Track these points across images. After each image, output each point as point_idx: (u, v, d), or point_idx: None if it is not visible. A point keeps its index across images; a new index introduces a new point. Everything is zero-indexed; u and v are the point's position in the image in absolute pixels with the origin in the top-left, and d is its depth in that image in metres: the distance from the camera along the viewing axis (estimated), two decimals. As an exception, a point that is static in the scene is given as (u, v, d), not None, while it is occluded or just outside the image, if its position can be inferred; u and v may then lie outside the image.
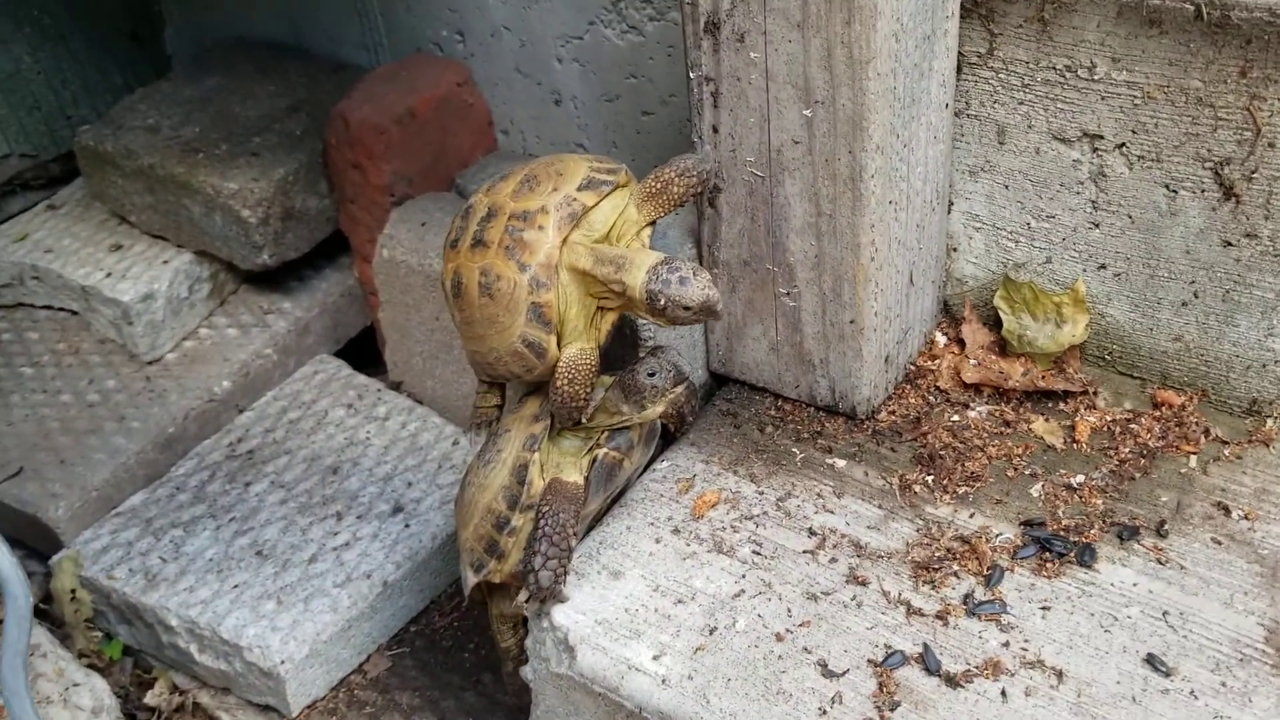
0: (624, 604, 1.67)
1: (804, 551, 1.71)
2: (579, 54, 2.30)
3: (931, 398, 1.93)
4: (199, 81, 2.61)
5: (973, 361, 1.94)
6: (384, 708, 2.02)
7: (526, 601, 1.66)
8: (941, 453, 1.82)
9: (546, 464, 1.70)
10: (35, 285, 2.53)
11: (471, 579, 1.75)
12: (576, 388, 1.62)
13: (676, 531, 1.77)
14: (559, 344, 1.62)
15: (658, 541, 1.76)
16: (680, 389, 1.65)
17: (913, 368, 1.98)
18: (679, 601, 1.66)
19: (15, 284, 2.54)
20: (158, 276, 2.40)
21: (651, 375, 1.63)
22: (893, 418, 1.91)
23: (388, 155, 2.27)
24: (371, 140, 2.26)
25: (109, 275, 2.42)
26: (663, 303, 1.53)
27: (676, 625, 1.63)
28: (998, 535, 1.69)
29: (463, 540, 1.77)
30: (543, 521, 1.64)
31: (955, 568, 1.66)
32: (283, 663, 1.93)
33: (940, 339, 2.01)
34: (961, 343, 1.98)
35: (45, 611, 2.15)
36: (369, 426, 2.32)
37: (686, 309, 1.53)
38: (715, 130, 1.77)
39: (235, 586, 2.03)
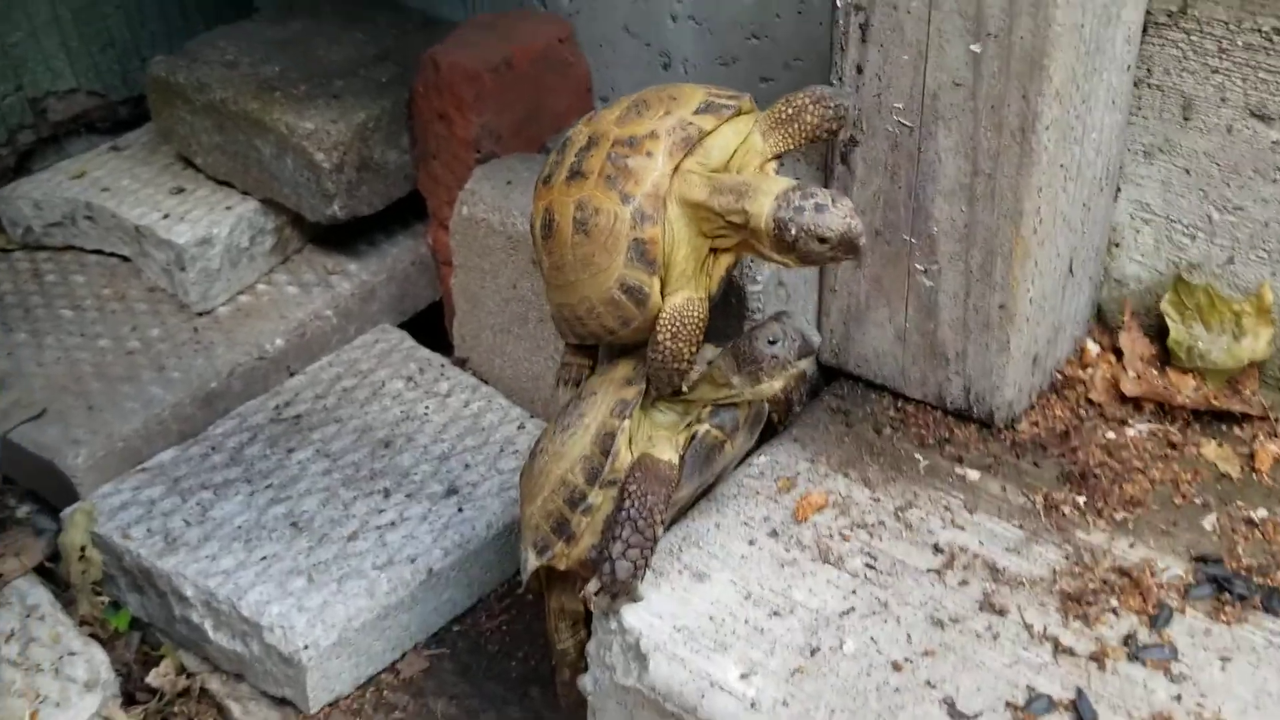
0: (709, 610, 1.41)
1: (928, 570, 1.44)
2: (696, 9, 2.08)
3: (1082, 411, 1.65)
4: (284, 24, 2.43)
5: (1132, 373, 1.66)
6: (415, 714, 1.76)
7: (597, 594, 1.40)
8: (1095, 472, 1.54)
9: (637, 436, 1.45)
10: (87, 226, 2.35)
11: (533, 562, 1.50)
12: (681, 344, 1.38)
13: (774, 534, 1.50)
14: (663, 291, 1.38)
15: (751, 543, 1.49)
16: (805, 364, 1.40)
17: (1059, 376, 1.70)
18: (775, 614, 1.40)
19: (67, 223, 2.36)
20: (218, 222, 2.20)
21: (773, 343, 1.38)
22: (1036, 429, 1.63)
23: (478, 106, 2.06)
24: (463, 87, 2.05)
25: (166, 217, 2.23)
26: (794, 233, 1.28)
27: (771, 641, 1.36)
28: (1165, 570, 1.41)
29: (527, 517, 1.52)
30: (628, 502, 1.39)
31: (1114, 603, 1.37)
32: (305, 648, 1.68)
33: (1093, 347, 1.73)
34: (1118, 352, 1.71)
35: (50, 571, 1.93)
36: (428, 402, 2.09)
37: (823, 241, 1.28)
38: (859, 70, 1.53)
39: (263, 559, 1.79)
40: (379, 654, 1.79)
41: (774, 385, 1.41)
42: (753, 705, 1.31)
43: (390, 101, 2.17)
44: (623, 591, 1.40)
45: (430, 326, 2.38)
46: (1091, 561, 1.43)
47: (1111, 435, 1.61)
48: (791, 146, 1.41)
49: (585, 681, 1.50)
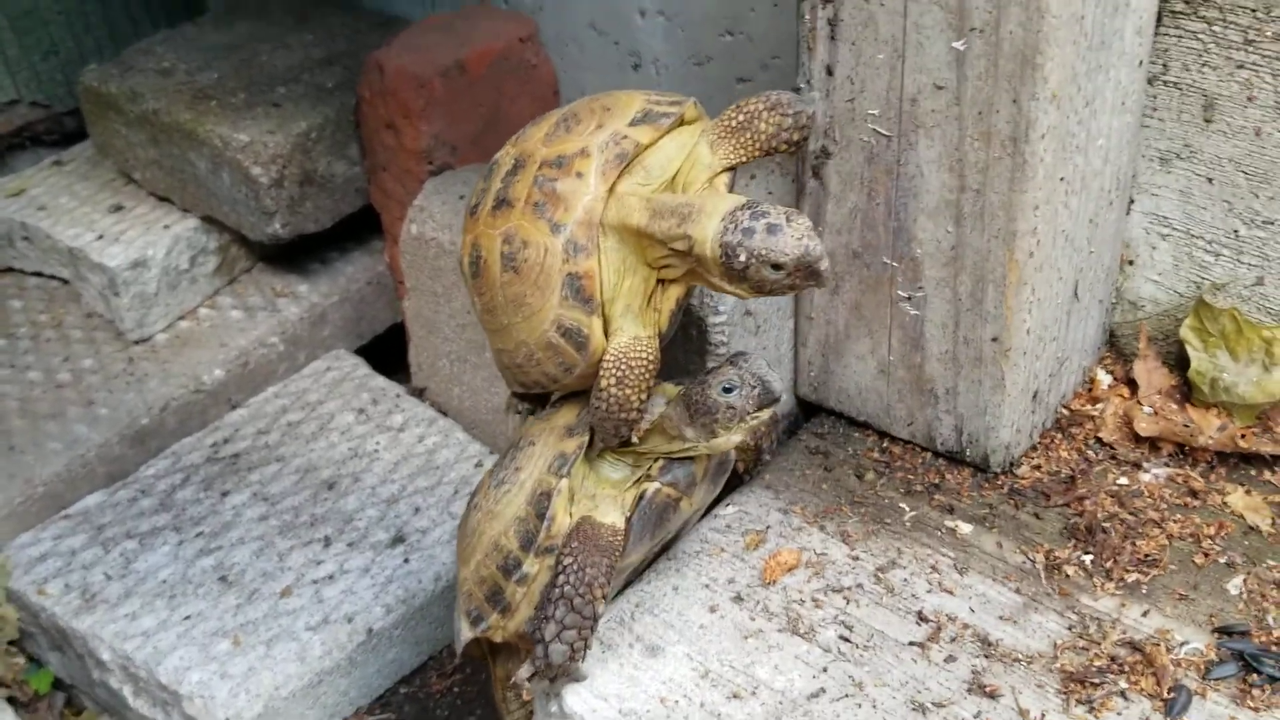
0: (660, 691, 1.24)
1: (911, 644, 1.26)
2: (665, 4, 1.90)
3: (1091, 452, 1.46)
4: (229, 27, 2.26)
5: (1148, 409, 1.47)
6: (352, 790, 1.59)
7: (530, 679, 1.23)
8: (1105, 525, 1.35)
9: (578, 495, 1.27)
10: (25, 247, 2.19)
11: (466, 633, 1.32)
12: (628, 391, 1.20)
13: (739, 599, 1.33)
14: (606, 331, 1.20)
15: (713, 611, 1.32)
16: (766, 414, 1.22)
17: (1065, 412, 1.51)
18: (734, 696, 1.22)
19: (4, 244, 2.20)
20: (154, 242, 2.04)
21: (728, 391, 1.20)
22: (1038, 474, 1.45)
23: (427, 114, 1.89)
24: (409, 94, 1.88)
25: (100, 238, 2.07)
26: (743, 259, 1.10)
27: (729, 729, 1.19)
28: (1182, 644, 1.23)
29: (461, 580, 1.35)
30: (563, 577, 1.21)
31: (1123, 685, 1.19)
32: (227, 721, 1.52)
33: (1104, 378, 1.54)
34: (1132, 384, 1.52)
35: (-33, 628, 1.77)
36: (380, 437, 1.92)
37: (777, 267, 1.10)
38: (829, 72, 1.34)
39: (187, 618, 1.63)
40: (314, 722, 1.62)
41: (732, 439, 1.23)
42: (704, 810, 1.13)
43: (335, 109, 2.00)
44: (560, 674, 1.22)
45: (392, 351, 2.21)
46: (1098, 634, 1.24)
47: (1124, 481, 1.42)
48: (744, 159, 1.24)
49: (525, 768, 1.33)
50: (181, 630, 1.61)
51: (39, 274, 2.22)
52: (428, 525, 1.78)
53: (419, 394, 2.04)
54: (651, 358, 1.21)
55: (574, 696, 1.25)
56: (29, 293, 2.21)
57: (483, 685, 1.72)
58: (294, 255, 2.16)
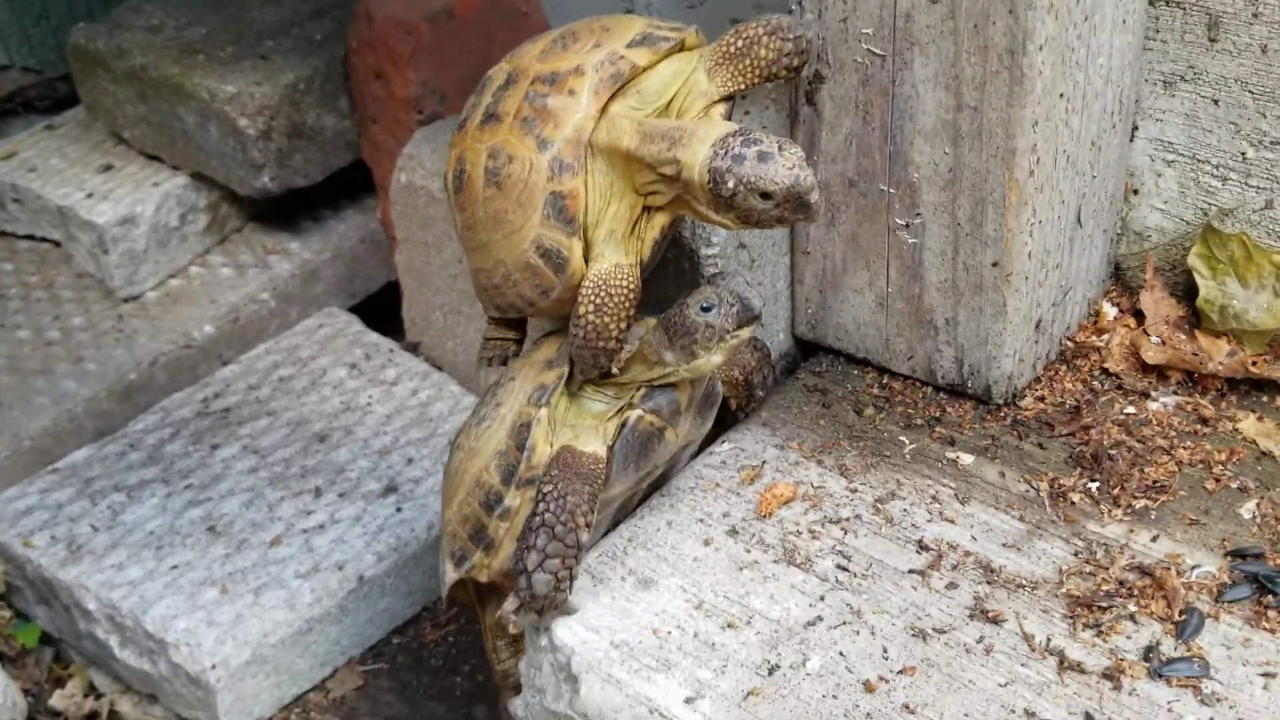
0: (653, 623, 1.20)
1: (910, 571, 1.22)
2: (660, -55, 1.87)
3: (1097, 383, 1.43)
4: (220, -16, 2.24)
5: (1155, 339, 1.43)
6: (343, 740, 1.56)
7: (515, 613, 1.19)
8: (1112, 453, 1.31)
9: (559, 426, 1.24)
10: (16, 210, 2.17)
11: (450, 574, 1.29)
12: (606, 319, 1.17)
13: (734, 533, 1.29)
14: (587, 256, 1.17)
15: (707, 544, 1.28)
16: (746, 333, 1.18)
17: (1069, 344, 1.48)
18: (729, 626, 1.19)
19: (-6, 206, 2.18)
20: (143, 200, 2.02)
21: (706, 310, 1.16)
22: (1041, 405, 1.41)
23: (415, 61, 1.86)
24: (398, 41, 1.85)
25: (89, 196, 2.05)
26: (731, 186, 1.07)
27: (724, 658, 1.15)
28: (1194, 568, 1.19)
29: (445, 522, 1.32)
30: (543, 505, 1.18)
31: (1132, 608, 1.15)
32: (213, 668, 1.49)
33: (1109, 309, 1.51)
34: (1139, 316, 1.48)
35: (-46, 583, 1.75)
36: (372, 391, 1.89)
37: (766, 196, 1.06)
38: (822, -11, 1.31)
39: (174, 567, 1.60)
40: (304, 671, 1.59)
41: (713, 360, 1.19)
42: (698, 736, 1.10)
43: (324, 60, 1.98)
44: (546, 607, 1.19)
45: (387, 310, 2.18)
46: (1106, 559, 1.21)
47: (1131, 410, 1.38)
48: (743, 86, 1.20)
49: (516, 706, 1.30)
50: (168, 580, 1.59)
51: (31, 237, 2.20)
52: (421, 475, 1.74)
53: (413, 349, 2.01)
54: (632, 286, 1.18)
55: (564, 629, 1.21)
56: (20, 255, 2.19)
57: (476, 636, 1.69)
58: (286, 212, 2.14)
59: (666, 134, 1.13)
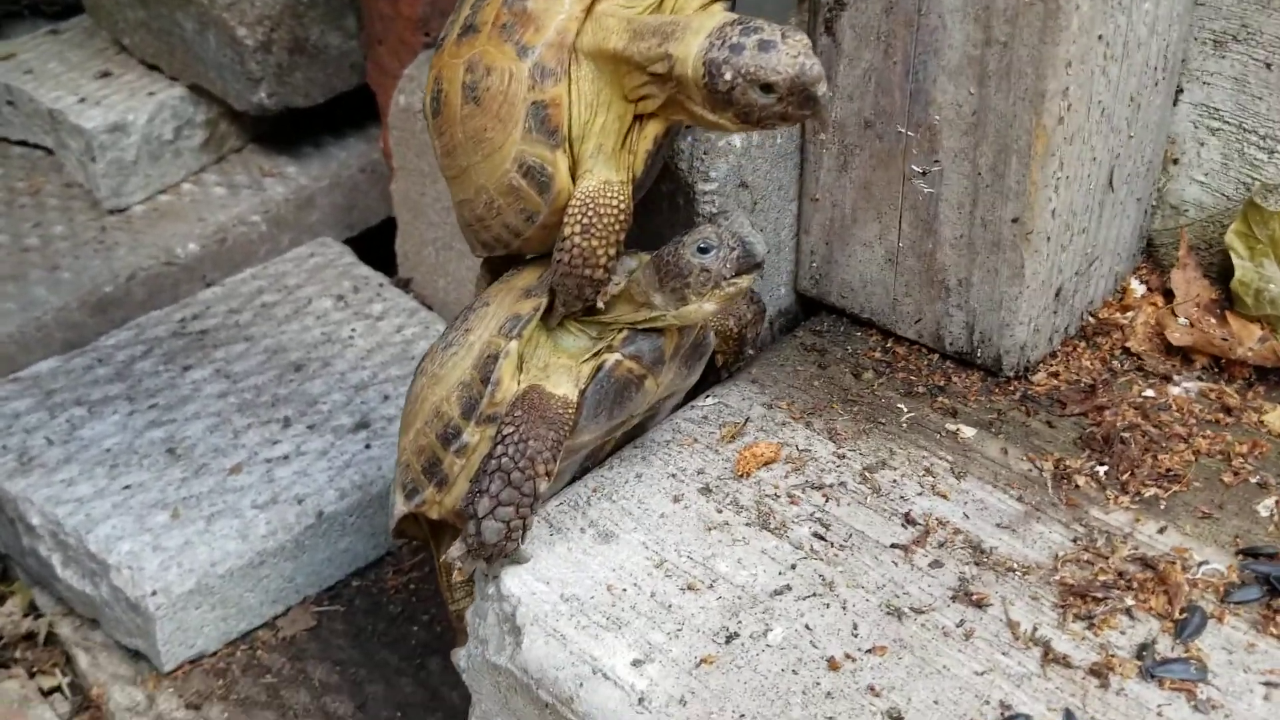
0: (609, 579, 1.11)
1: (893, 545, 1.12)
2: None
3: (1117, 362, 1.32)
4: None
5: (1183, 320, 1.32)
6: (287, 680, 1.48)
7: (461, 559, 1.10)
8: (1124, 436, 1.20)
9: (530, 362, 1.14)
10: (10, 113, 2.10)
11: (400, 507, 1.20)
12: (594, 241, 1.07)
13: (706, 490, 1.20)
14: (574, 173, 1.08)
15: (676, 500, 1.19)
16: (745, 281, 1.08)
17: (1092, 319, 1.37)
18: (690, 588, 1.09)
19: (-11, 109, 2.11)
20: (136, 109, 1.94)
21: (704, 251, 1.07)
22: (1055, 381, 1.30)
23: (427, -22, 1.76)
24: (409, -44, 1.76)
25: (81, 100, 1.97)
26: (729, 78, 0.96)
27: (678, 621, 1.06)
28: (1201, 564, 1.08)
29: (400, 451, 1.23)
30: (501, 448, 1.09)
31: (1129, 602, 1.05)
32: (154, 594, 1.41)
33: (1137, 287, 1.39)
34: (1168, 295, 1.37)
35: (-95, 488, 1.68)
36: (356, 324, 1.81)
37: (767, 89, 0.96)
38: (848, -94, 1.20)
39: (126, 487, 1.52)
40: (254, 607, 1.51)
41: (704, 308, 1.09)
42: (641, 701, 1.00)
43: (332, -27, 1.89)
44: (495, 556, 1.10)
45: (386, 247, 2.09)
46: (1107, 548, 1.10)
47: (1150, 393, 1.27)
48: None
49: (459, 657, 1.21)
50: (118, 500, 1.51)
51: (24, 143, 2.13)
52: (395, 414, 1.66)
53: (404, 285, 1.93)
54: (623, 205, 1.08)
55: (513, 578, 1.12)
56: (11, 161, 2.12)
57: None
58: (287, 135, 2.05)
59: (658, 29, 1.02)
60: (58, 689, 1.49)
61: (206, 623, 1.47)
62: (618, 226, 1.08)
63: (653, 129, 1.09)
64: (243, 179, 2.00)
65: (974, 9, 1.15)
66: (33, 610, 1.57)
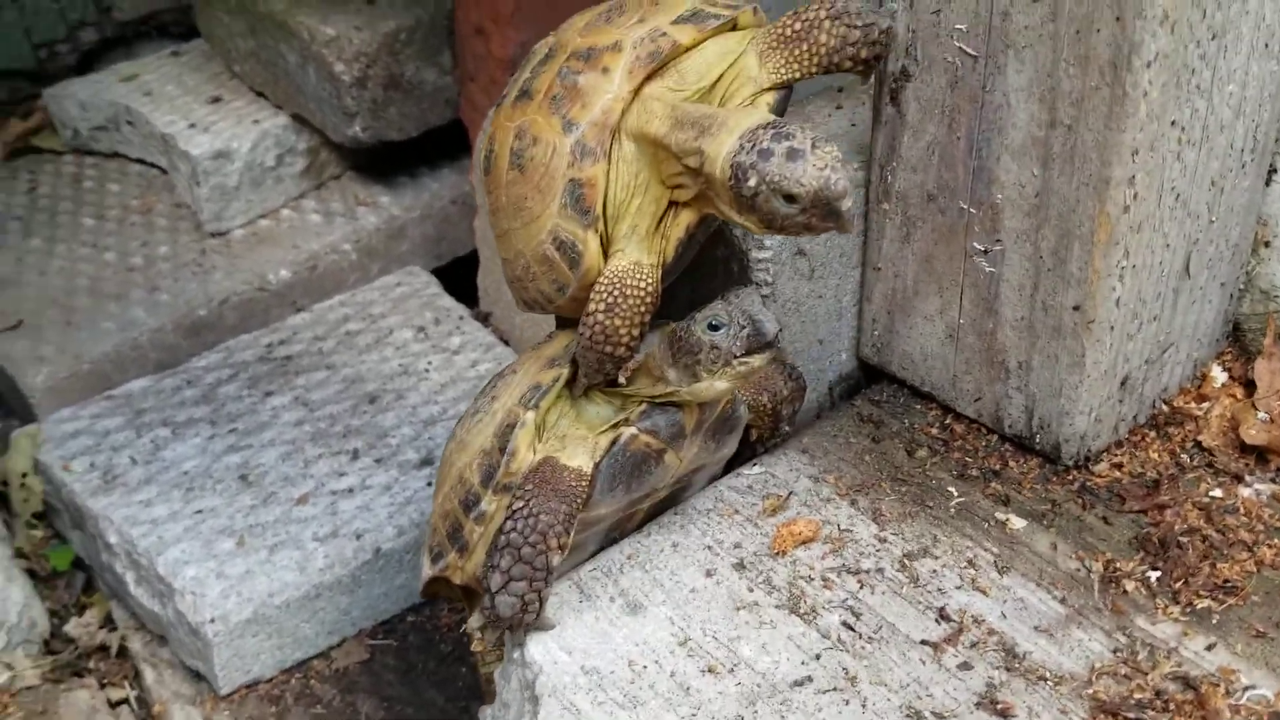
0: (631, 653, 1.10)
1: (923, 642, 1.09)
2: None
3: (1186, 456, 1.25)
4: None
5: (1262, 415, 1.25)
6: (336, 713, 1.51)
7: (481, 630, 1.11)
8: (1182, 540, 1.14)
9: (550, 431, 1.14)
10: (130, 133, 2.20)
11: (426, 570, 1.22)
12: (617, 320, 1.06)
13: (740, 566, 1.18)
14: (606, 251, 1.07)
15: (709, 574, 1.17)
16: (757, 360, 1.06)
17: (1165, 408, 1.30)
18: (710, 670, 1.08)
19: (111, 128, 2.21)
20: (240, 136, 2.01)
21: (714, 329, 1.05)
22: (1117, 473, 1.24)
23: (517, 20, 1.78)
24: (501, -2, 1.78)
25: (192, 126, 2.05)
26: (753, 185, 0.95)
27: (695, 705, 1.05)
28: (1247, 689, 1.02)
29: (432, 512, 1.24)
30: (511, 522, 1.09)
31: (1166, 726, 0.99)
32: (212, 620, 1.46)
33: (1219, 375, 1.32)
34: (1250, 386, 1.29)
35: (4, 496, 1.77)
36: (433, 357, 1.84)
37: (791, 200, 0.94)
38: (914, -22, 1.17)
39: (199, 511, 1.58)
40: (309, 638, 1.55)
41: (716, 385, 1.07)
42: (645, 789, 1.00)
43: (429, 11, 1.92)
44: (514, 626, 1.10)
45: (474, 275, 2.12)
46: (1148, 662, 1.05)
47: (1218, 493, 1.20)
48: (798, 75, 1.08)
49: (485, 716, 1.22)
50: (190, 524, 1.57)
51: (142, 161, 2.23)
52: (460, 452, 1.68)
53: (484, 319, 1.95)
54: (650, 288, 1.07)
55: (537, 645, 1.13)
56: (129, 178, 2.21)
57: (494, 627, 1.62)
58: (383, 166, 2.10)
59: (697, 121, 1.01)
60: (125, 701, 1.55)
61: (263, 650, 1.51)
62: (643, 308, 1.07)
63: (686, 217, 1.08)
64: (338, 206, 2.06)
65: (1039, 89, 1.11)
66: (109, 623, 1.64)
